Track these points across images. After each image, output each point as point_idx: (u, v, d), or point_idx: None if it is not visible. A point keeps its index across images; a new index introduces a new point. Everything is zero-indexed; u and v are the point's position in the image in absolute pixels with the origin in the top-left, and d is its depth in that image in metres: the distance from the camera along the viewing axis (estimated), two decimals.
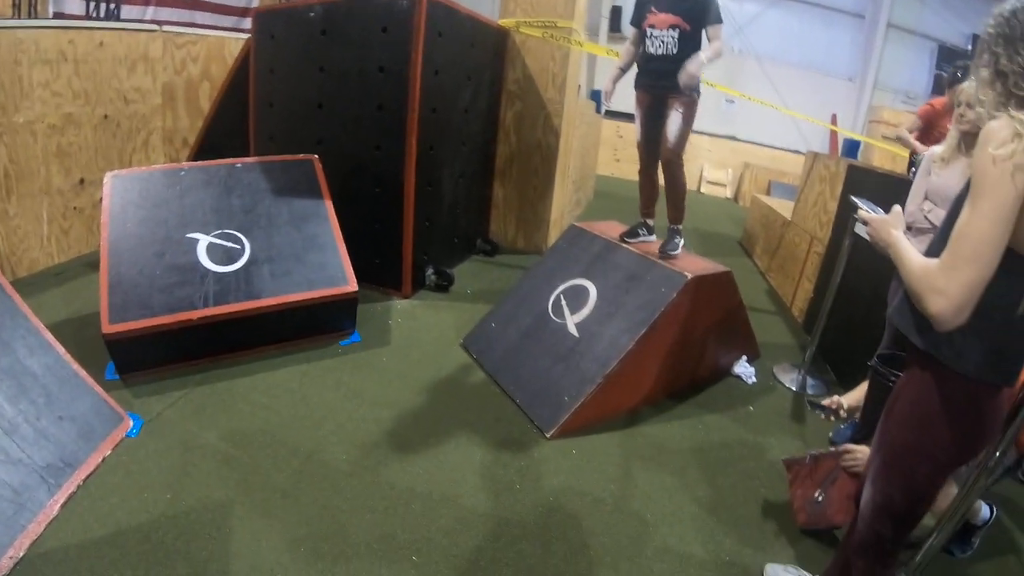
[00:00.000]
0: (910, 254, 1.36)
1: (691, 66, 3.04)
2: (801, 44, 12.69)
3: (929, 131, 4.57)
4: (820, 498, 2.29)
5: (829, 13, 12.56)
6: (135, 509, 2.04)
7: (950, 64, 5.99)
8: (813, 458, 2.38)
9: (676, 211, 3.50)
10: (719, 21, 3.10)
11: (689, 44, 3.14)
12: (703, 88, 3.28)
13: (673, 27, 3.13)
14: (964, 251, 1.22)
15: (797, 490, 2.42)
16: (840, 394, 2.66)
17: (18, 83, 3.41)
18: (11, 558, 1.78)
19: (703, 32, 3.15)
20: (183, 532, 1.98)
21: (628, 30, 3.51)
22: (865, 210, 1.57)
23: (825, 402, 2.57)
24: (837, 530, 2.35)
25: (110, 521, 1.98)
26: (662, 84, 3.21)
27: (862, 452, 2.16)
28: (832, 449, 2.36)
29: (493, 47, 4.90)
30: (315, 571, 1.90)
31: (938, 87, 11.04)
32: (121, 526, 1.96)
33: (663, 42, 3.17)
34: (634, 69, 3.44)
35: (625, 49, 3.49)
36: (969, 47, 11.30)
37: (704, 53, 3.09)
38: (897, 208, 1.49)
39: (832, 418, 2.62)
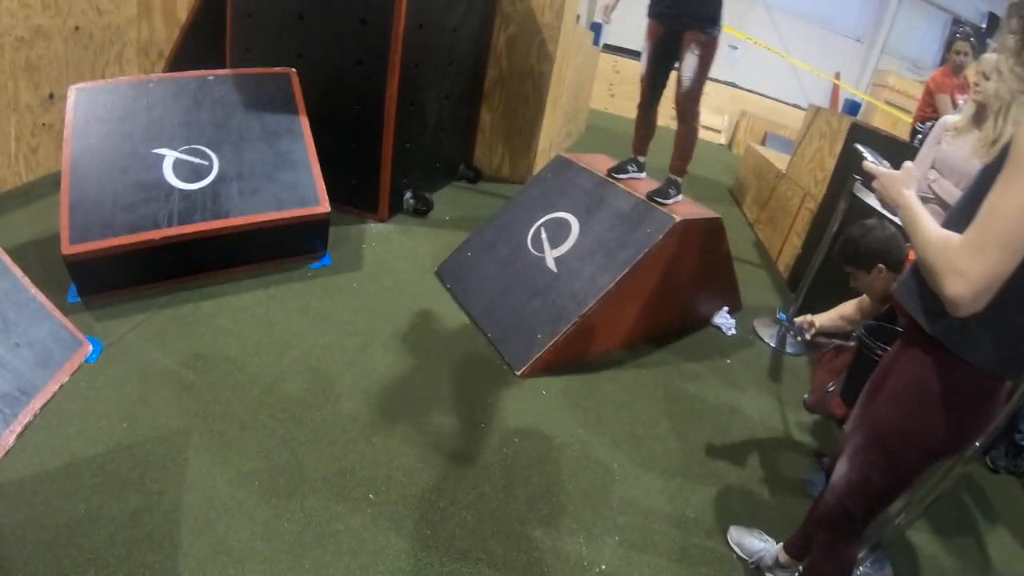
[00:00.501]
0: (927, 223, 1.20)
1: None
2: None
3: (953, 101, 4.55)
4: (831, 388, 2.43)
5: None
6: (91, 439, 1.97)
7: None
8: (836, 348, 2.59)
9: (682, 160, 3.25)
10: None
11: None
12: None
13: None
14: (995, 231, 1.07)
15: (816, 373, 2.62)
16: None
17: None
18: None
19: None
20: (138, 463, 1.92)
21: None
22: (871, 161, 1.40)
23: (798, 320, 2.59)
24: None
25: (65, 452, 1.91)
26: (679, 13, 2.95)
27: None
28: (852, 343, 2.47)
29: None
30: (269, 506, 1.85)
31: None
32: (76, 457, 1.90)
33: None
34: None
35: None
36: (984, 25, 10.96)
37: None
38: (909, 164, 1.33)
39: (799, 338, 2.66)
